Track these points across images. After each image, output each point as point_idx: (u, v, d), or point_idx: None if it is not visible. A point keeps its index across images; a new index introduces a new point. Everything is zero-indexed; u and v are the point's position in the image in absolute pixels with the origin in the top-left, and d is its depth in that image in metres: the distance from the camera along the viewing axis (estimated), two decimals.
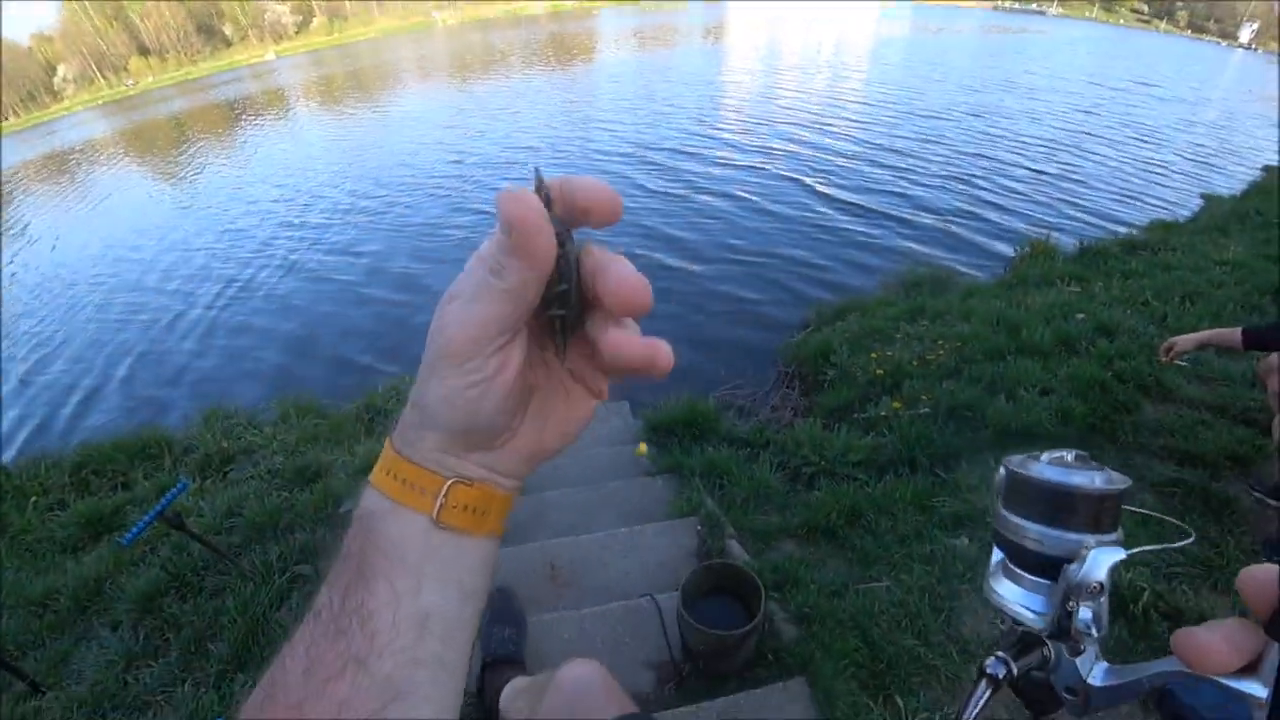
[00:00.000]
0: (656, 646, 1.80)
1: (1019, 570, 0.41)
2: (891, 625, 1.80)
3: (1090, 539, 0.38)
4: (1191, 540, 0.39)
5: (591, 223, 0.34)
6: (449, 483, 0.38)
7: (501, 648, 1.75)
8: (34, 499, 3.34)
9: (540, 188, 0.32)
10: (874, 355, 3.53)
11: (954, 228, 6.78)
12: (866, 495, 2.35)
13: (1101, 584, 0.38)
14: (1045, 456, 0.41)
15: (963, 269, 5.41)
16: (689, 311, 5.33)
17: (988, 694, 0.42)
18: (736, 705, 1.57)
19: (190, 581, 2.48)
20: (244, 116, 24.35)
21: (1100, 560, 0.37)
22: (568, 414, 0.41)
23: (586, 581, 2.13)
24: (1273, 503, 2.32)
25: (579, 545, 2.25)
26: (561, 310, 0.35)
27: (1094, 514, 0.38)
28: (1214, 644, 0.30)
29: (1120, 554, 0.38)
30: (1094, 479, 0.38)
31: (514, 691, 1.36)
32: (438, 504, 0.37)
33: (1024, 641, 0.41)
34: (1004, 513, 0.41)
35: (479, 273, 0.33)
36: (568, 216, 0.33)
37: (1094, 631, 0.38)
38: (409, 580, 0.37)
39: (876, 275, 5.59)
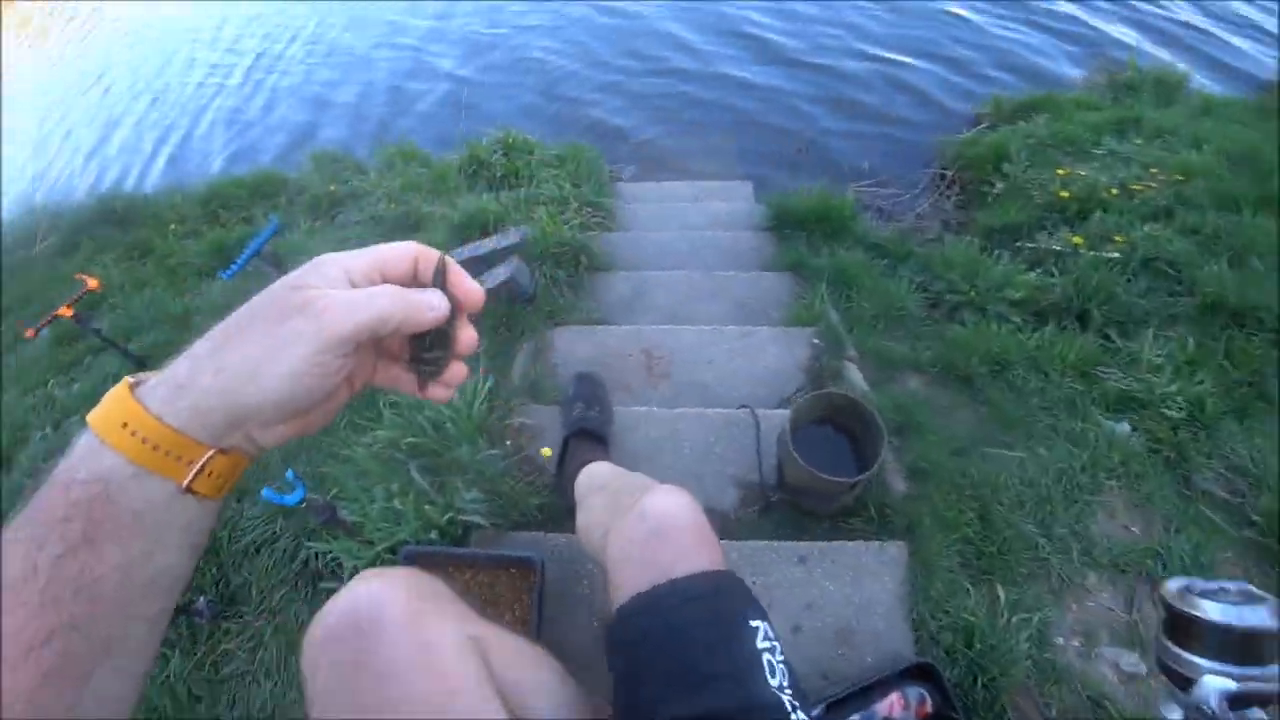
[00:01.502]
0: (747, 464, 1.63)
1: None
2: (1014, 504, 1.54)
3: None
4: None
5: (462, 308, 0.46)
6: (211, 453, 0.37)
7: (587, 423, 1.61)
8: (172, 226, 3.57)
9: (441, 271, 0.45)
10: (1061, 171, 2.81)
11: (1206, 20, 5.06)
12: (1018, 343, 1.95)
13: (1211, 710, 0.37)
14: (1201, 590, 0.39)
15: (1204, 78, 4.09)
16: (834, 81, 4.39)
17: None
18: (822, 553, 1.40)
19: None
20: None
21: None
22: (335, 404, 0.44)
23: (683, 376, 1.93)
24: None
25: (681, 336, 2.01)
26: (434, 367, 0.45)
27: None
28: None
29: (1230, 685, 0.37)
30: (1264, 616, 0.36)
31: (591, 480, 1.21)
32: (192, 473, 0.36)
33: None
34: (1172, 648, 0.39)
35: (371, 276, 0.42)
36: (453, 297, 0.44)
37: None
38: (145, 545, 0.35)
39: (1082, 66, 4.35)
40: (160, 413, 0.35)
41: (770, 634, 0.75)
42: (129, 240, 3.59)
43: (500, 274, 2.21)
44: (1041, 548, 1.47)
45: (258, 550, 1.85)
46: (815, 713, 1.18)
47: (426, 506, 1.53)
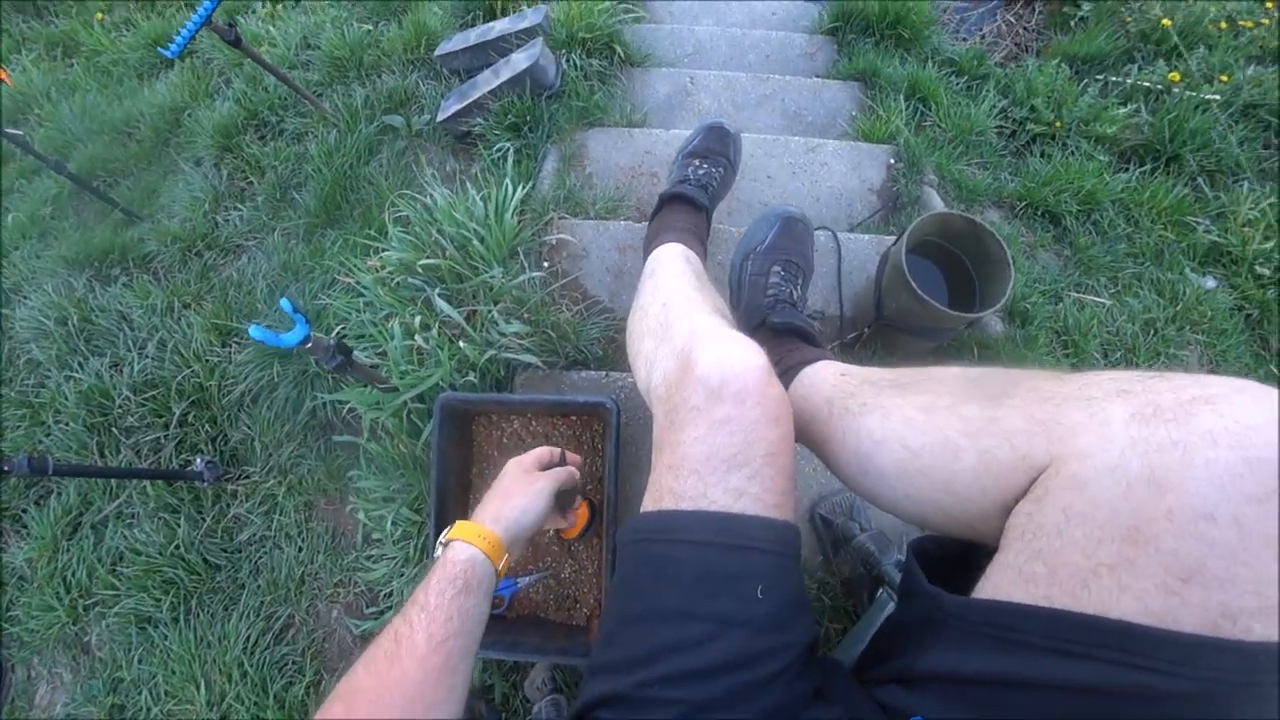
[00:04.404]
0: (825, 294, 1.41)
1: None
2: (1101, 351, 1.39)
3: None
4: None
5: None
6: (508, 555, 0.71)
7: (686, 186, 1.18)
8: (100, 16, 2.85)
9: (563, 454, 0.90)
10: None
11: None
12: (1104, 184, 1.71)
13: None
14: None
15: None
16: None
17: None
18: None
19: (269, 121, 2.10)
20: None
21: None
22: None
23: (742, 194, 1.64)
24: None
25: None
26: (569, 501, 0.94)
27: None
28: None
29: None
30: None
31: (653, 273, 0.94)
32: (503, 561, 0.69)
33: None
34: None
35: (548, 494, 0.79)
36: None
37: None
38: (481, 598, 0.64)
39: None
40: (493, 530, 0.70)
41: None
42: (50, 34, 2.91)
43: (520, 61, 1.78)
44: None
45: (254, 401, 1.60)
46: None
47: (461, 343, 1.25)
